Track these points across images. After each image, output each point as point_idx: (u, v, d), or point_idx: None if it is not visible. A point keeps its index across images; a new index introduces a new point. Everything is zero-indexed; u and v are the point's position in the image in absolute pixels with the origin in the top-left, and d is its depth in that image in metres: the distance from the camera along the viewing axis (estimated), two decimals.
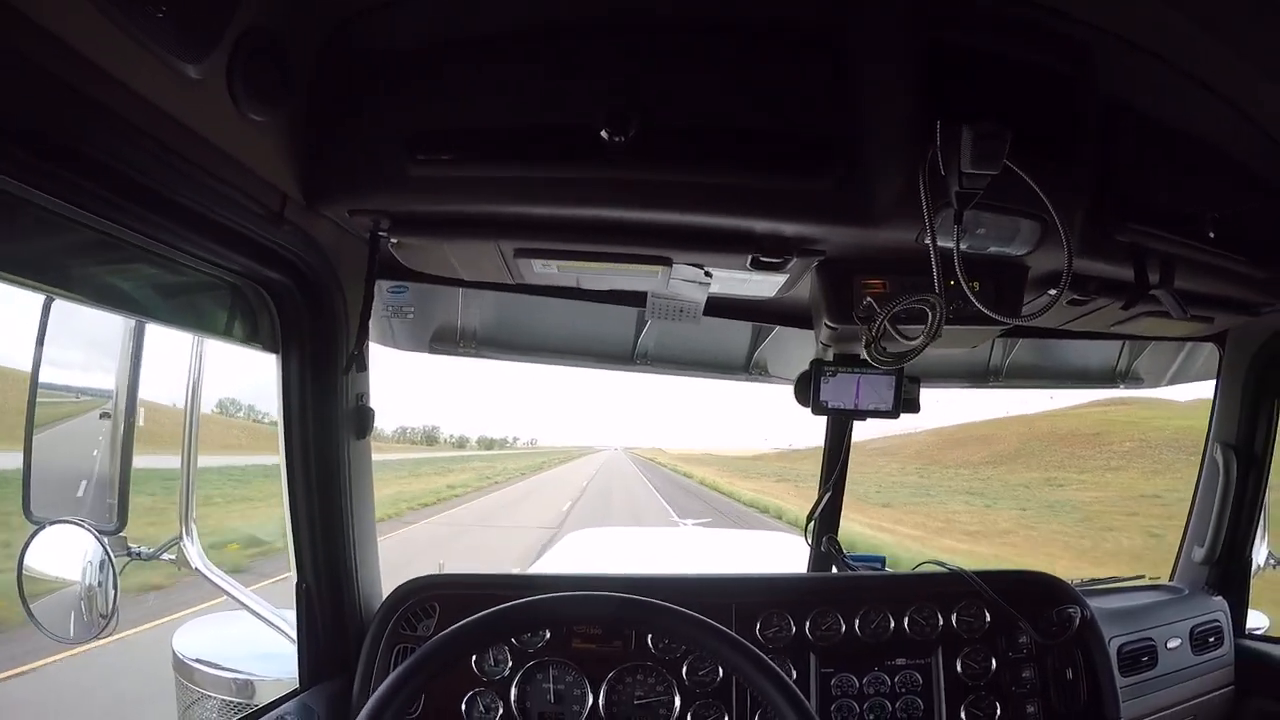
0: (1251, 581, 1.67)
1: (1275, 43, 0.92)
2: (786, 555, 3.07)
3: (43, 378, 1.13)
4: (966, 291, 0.89)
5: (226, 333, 1.08)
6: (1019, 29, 0.89)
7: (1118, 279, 1.07)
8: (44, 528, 1.16)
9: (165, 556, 1.28)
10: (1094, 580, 1.66)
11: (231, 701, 1.34)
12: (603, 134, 0.86)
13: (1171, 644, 1.49)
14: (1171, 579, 1.73)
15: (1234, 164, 1.12)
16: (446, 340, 1.50)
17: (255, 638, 1.35)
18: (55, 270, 0.84)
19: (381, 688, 0.77)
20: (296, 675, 1.20)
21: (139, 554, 1.24)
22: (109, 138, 0.68)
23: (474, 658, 1.21)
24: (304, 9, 0.84)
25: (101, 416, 1.25)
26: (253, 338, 1.09)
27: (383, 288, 1.30)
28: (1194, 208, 1.07)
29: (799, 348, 1.54)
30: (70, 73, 0.61)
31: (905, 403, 1.41)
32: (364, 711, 0.75)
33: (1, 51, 0.55)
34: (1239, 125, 1.07)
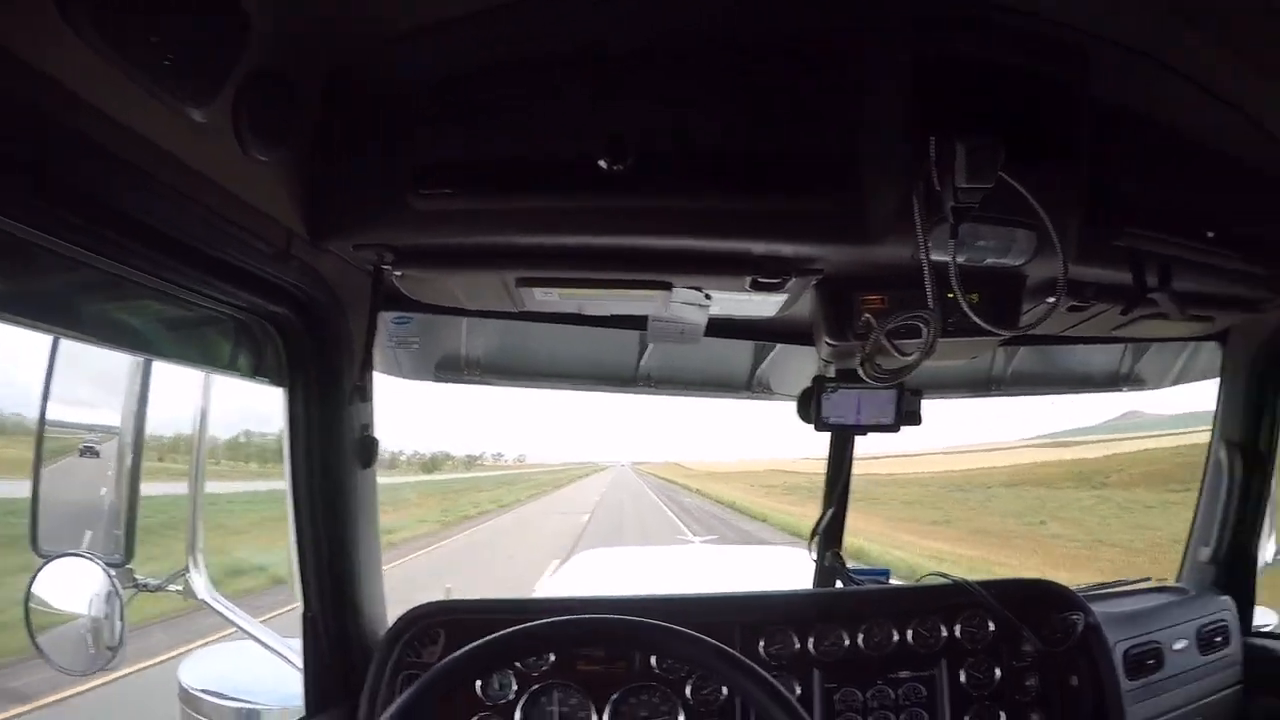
0: (1259, 579, 1.66)
1: (1265, 37, 0.91)
2: (797, 570, 3.02)
3: (52, 415, 1.15)
4: (963, 304, 0.88)
5: (233, 367, 1.09)
6: (1011, 37, 0.88)
7: (1116, 283, 1.07)
8: (51, 561, 1.17)
9: (171, 588, 1.28)
10: (1100, 585, 1.65)
11: None
12: (600, 163, 0.87)
13: (1178, 645, 1.48)
14: (1178, 580, 1.72)
15: (1230, 161, 1.11)
16: (451, 369, 1.50)
17: (263, 667, 1.34)
18: (60, 310, 0.84)
19: (386, 714, 0.78)
20: (302, 703, 1.20)
21: (145, 585, 1.25)
22: (115, 181, 0.68)
23: (479, 682, 1.20)
24: (308, 50, 0.85)
25: (82, 453, 1.25)
26: (259, 371, 1.10)
27: (387, 319, 1.30)
28: (1191, 207, 1.06)
29: (801, 364, 1.55)
30: (74, 118, 0.62)
31: (906, 415, 1.42)
32: None
33: (7, 98, 0.56)
34: (1234, 122, 1.06)
